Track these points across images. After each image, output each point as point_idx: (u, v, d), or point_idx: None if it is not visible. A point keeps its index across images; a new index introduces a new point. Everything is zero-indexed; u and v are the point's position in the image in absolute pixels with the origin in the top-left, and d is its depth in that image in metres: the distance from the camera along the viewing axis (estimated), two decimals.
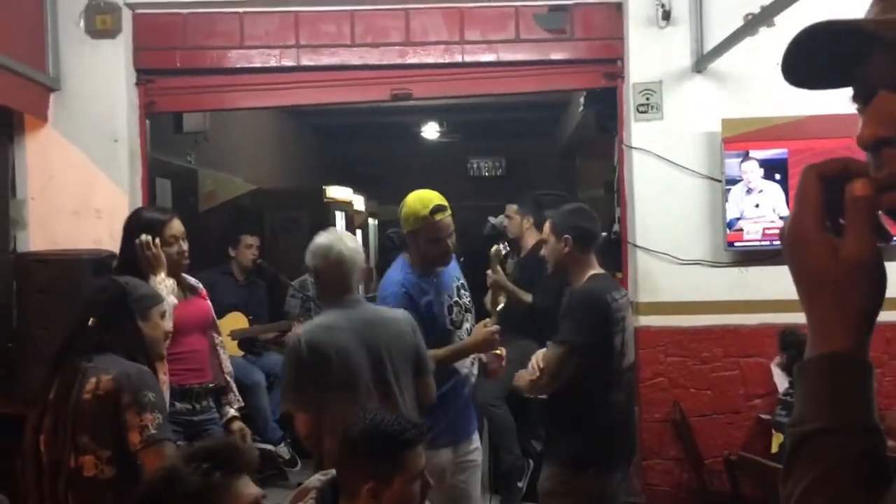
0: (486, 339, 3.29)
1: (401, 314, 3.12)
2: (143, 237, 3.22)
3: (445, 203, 3.34)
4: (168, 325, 2.83)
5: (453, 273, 3.51)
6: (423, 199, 3.32)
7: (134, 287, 2.65)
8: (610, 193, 5.81)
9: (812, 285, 0.80)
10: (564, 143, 9.40)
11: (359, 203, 9.47)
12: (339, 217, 8.34)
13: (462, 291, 3.49)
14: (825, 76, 0.83)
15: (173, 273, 3.31)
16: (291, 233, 7.32)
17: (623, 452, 3.27)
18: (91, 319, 2.53)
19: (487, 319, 3.41)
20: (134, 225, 3.31)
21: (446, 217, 3.32)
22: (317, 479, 2.32)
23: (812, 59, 0.81)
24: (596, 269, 3.22)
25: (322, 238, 3.09)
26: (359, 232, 9.16)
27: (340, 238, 3.15)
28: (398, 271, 3.42)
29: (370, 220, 10.23)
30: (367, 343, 2.95)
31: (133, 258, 3.23)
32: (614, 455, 3.19)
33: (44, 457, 2.45)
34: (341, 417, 2.53)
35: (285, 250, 6.96)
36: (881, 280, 0.79)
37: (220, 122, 7.03)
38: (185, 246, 3.36)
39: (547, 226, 3.29)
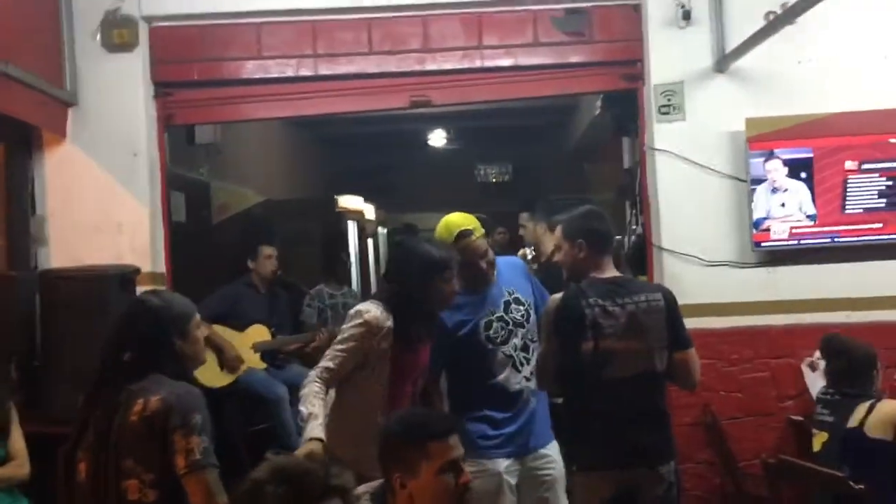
0: None
1: None
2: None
3: (472, 226, 3.29)
4: (204, 330, 2.68)
5: (505, 286, 3.40)
6: (448, 225, 3.30)
7: (166, 307, 2.50)
8: (622, 197, 5.78)
9: None
10: (573, 148, 9.36)
11: (369, 212, 9.44)
12: (352, 227, 8.30)
13: (513, 306, 3.37)
14: None
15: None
16: (303, 243, 7.28)
17: (618, 457, 3.00)
18: (127, 354, 2.43)
19: None
20: (426, 263, 3.09)
21: (473, 241, 3.27)
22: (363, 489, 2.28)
23: None
24: (604, 273, 3.08)
25: None
26: (370, 241, 9.14)
27: None
28: None
29: (379, 229, 10.19)
30: None
31: (419, 293, 3.06)
32: (603, 459, 3.01)
33: (84, 488, 2.36)
34: None
35: (298, 260, 6.91)
36: None
37: (232, 134, 7.00)
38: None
39: (558, 231, 3.22)
